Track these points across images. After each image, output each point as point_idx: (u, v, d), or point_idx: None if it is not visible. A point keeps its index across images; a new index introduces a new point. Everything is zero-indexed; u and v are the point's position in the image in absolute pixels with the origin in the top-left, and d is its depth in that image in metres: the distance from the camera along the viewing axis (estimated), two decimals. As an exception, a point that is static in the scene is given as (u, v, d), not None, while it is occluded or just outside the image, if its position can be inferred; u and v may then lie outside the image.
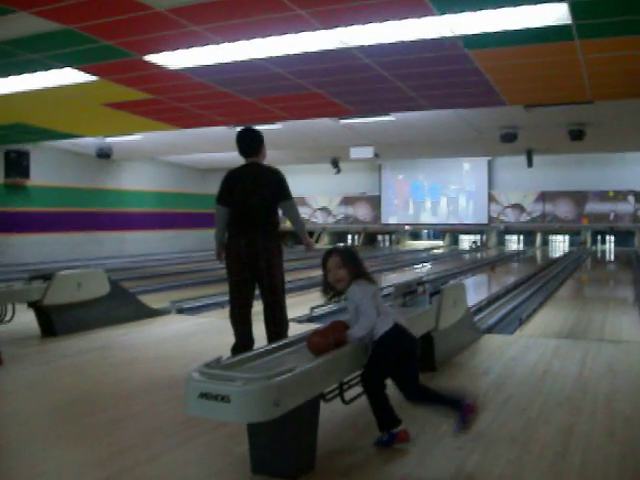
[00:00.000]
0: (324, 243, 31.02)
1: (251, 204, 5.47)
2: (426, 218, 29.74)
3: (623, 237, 26.86)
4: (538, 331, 8.05)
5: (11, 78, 10.03)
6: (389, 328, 3.80)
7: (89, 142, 19.29)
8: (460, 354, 6.12)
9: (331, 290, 4.06)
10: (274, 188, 5.55)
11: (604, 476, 3.37)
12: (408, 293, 5.62)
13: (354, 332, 3.78)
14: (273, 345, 3.89)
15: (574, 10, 7.11)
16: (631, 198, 26.09)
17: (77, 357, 6.36)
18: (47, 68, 9.45)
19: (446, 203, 29.53)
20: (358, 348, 3.85)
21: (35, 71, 9.60)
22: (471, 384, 4.76)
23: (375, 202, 30.73)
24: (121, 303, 8.38)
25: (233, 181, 5.60)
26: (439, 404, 3.82)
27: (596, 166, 26.03)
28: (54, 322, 7.41)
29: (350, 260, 4.01)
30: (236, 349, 5.37)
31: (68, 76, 9.93)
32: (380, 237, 31.56)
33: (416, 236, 31.54)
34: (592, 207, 26.81)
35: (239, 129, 5.85)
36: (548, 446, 3.80)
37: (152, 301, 9.47)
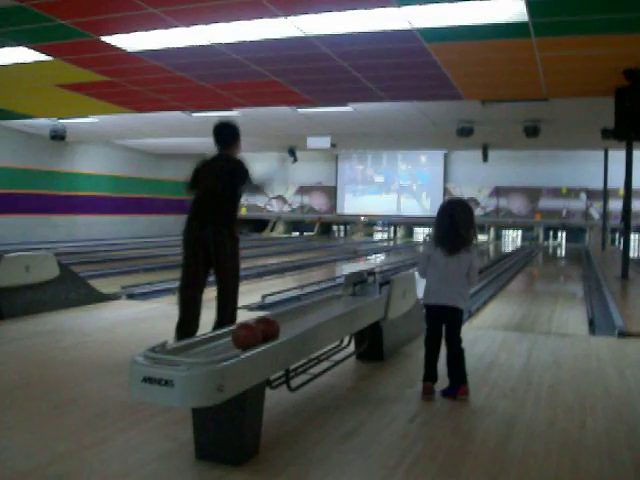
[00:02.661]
0: (279, 232, 31.00)
1: (208, 191, 5.62)
2: (382, 209, 29.86)
3: (574, 233, 27.29)
4: (487, 323, 8.15)
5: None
6: None
7: (43, 123, 18.97)
8: (409, 344, 6.17)
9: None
10: (236, 177, 5.67)
11: (544, 464, 3.43)
12: (358, 282, 5.65)
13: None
14: (220, 331, 3.87)
15: (531, 7, 7.20)
16: (583, 195, 26.55)
17: (24, 340, 6.26)
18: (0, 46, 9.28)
19: (402, 195, 29.69)
20: (304, 336, 3.87)
21: (-13, 49, 9.43)
22: (419, 374, 4.80)
23: (331, 192, 30.77)
24: (71, 287, 8.27)
25: (201, 169, 5.81)
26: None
27: (550, 163, 26.42)
28: (1, 305, 7.28)
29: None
30: (178, 329, 5.47)
31: (22, 55, 9.75)
32: (335, 227, 31.59)
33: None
34: (545, 203, 27.21)
35: (217, 121, 5.97)
36: (491, 435, 3.86)
37: (103, 286, 9.36)
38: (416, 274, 5.31)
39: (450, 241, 4.57)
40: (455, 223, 4.55)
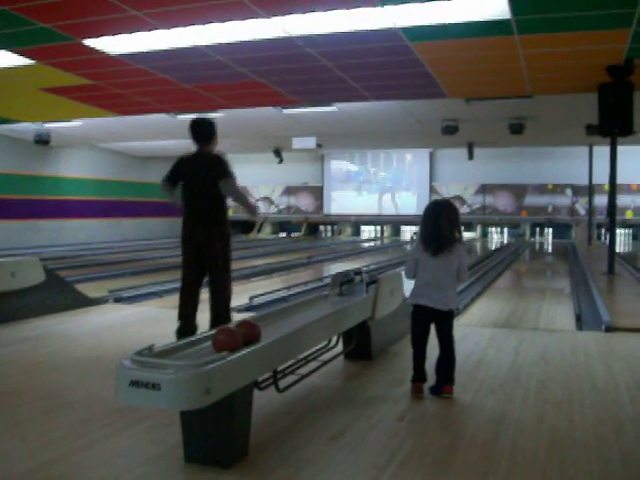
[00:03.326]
0: (266, 233, 30.97)
1: (197, 192, 5.82)
2: (369, 209, 29.89)
3: (560, 229, 27.42)
4: (475, 320, 8.17)
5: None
6: None
7: (27, 128, 18.88)
8: (397, 343, 6.18)
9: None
10: (216, 171, 5.81)
11: (532, 460, 3.44)
12: (345, 282, 5.65)
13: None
14: (207, 334, 3.86)
15: (513, 5, 7.23)
16: (569, 191, 26.68)
17: (11, 346, 6.22)
18: (-19, 50, 9.22)
19: (389, 194, 29.73)
20: (291, 337, 3.87)
21: (-31, 53, 9.37)
22: (407, 373, 4.81)
23: (317, 192, 30.78)
24: (57, 292, 8.23)
25: (182, 167, 5.97)
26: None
27: (536, 159, 26.54)
28: (-13, 311, 7.25)
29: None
30: (179, 332, 5.65)
31: (4, 59, 9.69)
32: (322, 227, 31.58)
33: None
34: (531, 200, 27.32)
35: (193, 117, 6.18)
36: (480, 432, 3.87)
37: (89, 290, 9.33)
38: (403, 273, 5.31)
39: (435, 242, 4.59)
40: (440, 224, 4.59)
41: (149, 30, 8.33)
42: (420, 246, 4.66)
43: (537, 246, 25.68)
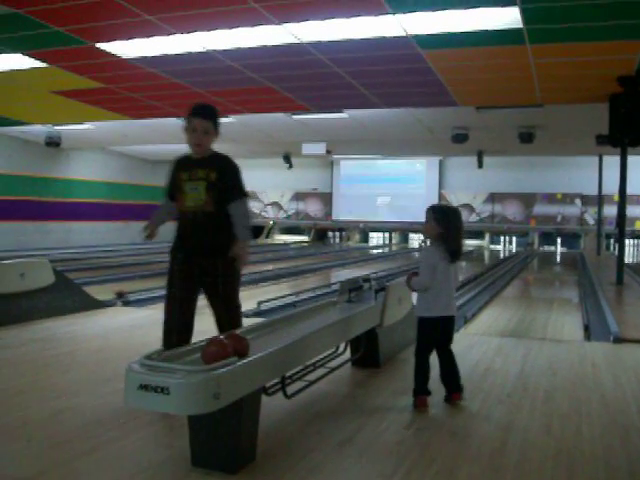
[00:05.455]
0: (274, 238, 30.99)
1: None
2: (378, 216, 29.88)
3: (569, 239, 27.34)
4: (482, 329, 8.16)
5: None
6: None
7: (38, 130, 18.97)
8: (404, 351, 6.17)
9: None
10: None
11: (539, 471, 3.43)
12: (354, 289, 5.65)
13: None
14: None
15: (525, 15, 7.23)
16: (578, 201, 26.60)
17: (19, 348, 6.24)
18: (-1, 53, 9.29)
19: (398, 201, 29.70)
20: (300, 343, 3.87)
21: (-17, 56, 9.45)
22: (413, 380, 4.80)
23: (326, 198, 30.78)
24: (66, 294, 8.24)
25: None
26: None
27: (545, 169, 26.48)
28: (-4, 312, 7.28)
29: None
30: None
31: (17, 62, 9.76)
32: (330, 234, 31.57)
33: None
34: (540, 209, 27.24)
35: (195, 103, 4.86)
36: (487, 442, 3.86)
37: (98, 292, 9.35)
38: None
39: (460, 248, 4.58)
40: (462, 230, 4.58)
41: (161, 35, 8.37)
42: (441, 253, 4.49)
43: (545, 255, 25.61)
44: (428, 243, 4.79)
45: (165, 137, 19.58)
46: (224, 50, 9.02)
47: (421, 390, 4.56)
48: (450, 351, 4.68)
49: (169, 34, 8.33)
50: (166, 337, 4.47)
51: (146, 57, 9.46)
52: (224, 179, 4.47)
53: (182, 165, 4.72)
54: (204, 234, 4.53)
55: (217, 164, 4.53)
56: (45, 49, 9.12)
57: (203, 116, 4.54)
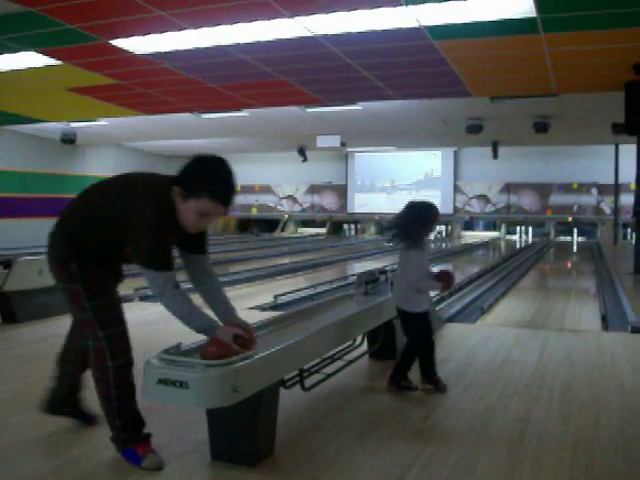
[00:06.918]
0: (290, 232, 31.01)
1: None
2: (392, 208, 29.79)
3: (586, 229, 27.18)
4: (499, 320, 8.15)
5: (-27, 59, 9.89)
6: None
7: (54, 127, 19.07)
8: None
9: None
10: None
11: (558, 462, 3.43)
12: (370, 281, 5.65)
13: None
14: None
15: (539, 3, 7.19)
16: (594, 190, 26.41)
17: (38, 344, 6.29)
18: (10, 51, 9.32)
19: (413, 193, 29.61)
20: (317, 336, 3.88)
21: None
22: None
23: (342, 191, 30.75)
24: (84, 290, 8.26)
25: None
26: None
27: (561, 158, 26.29)
28: (15, 309, 7.32)
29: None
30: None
31: (32, 59, 9.80)
32: (346, 226, 31.54)
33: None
34: (556, 199, 27.08)
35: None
36: (505, 432, 3.86)
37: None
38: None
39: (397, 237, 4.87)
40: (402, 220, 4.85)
41: (174, 30, 8.38)
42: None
43: (562, 246, 25.48)
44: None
45: (179, 132, 19.64)
46: (237, 44, 9.01)
47: (435, 371, 4.72)
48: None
49: (181, 29, 8.33)
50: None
51: (159, 53, 9.47)
52: None
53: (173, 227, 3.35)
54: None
55: None
56: (59, 46, 9.14)
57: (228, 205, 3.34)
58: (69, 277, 3.38)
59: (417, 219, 4.71)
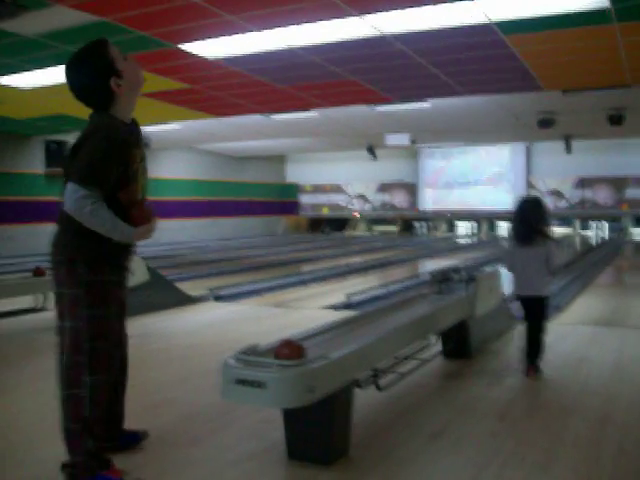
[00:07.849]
0: (361, 230, 31.03)
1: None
2: (463, 204, 29.51)
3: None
4: (576, 318, 7.99)
5: (50, 70, 10.20)
6: None
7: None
8: (495, 341, 6.11)
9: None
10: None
11: (638, 465, 3.35)
12: (444, 280, 5.63)
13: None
14: (310, 332, 3.91)
15: (613, -7, 7.03)
16: (673, 183, 25.63)
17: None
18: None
19: (485, 189, 29.26)
20: (391, 335, 3.90)
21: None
22: (506, 372, 4.77)
23: (412, 189, 30.60)
24: (159, 290, 8.42)
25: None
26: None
27: (637, 151, 25.57)
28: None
29: None
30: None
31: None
32: (417, 224, 31.37)
33: None
34: (632, 193, 26.33)
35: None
36: (583, 433, 3.80)
37: (190, 288, 9.55)
38: (502, 270, 5.43)
39: (521, 234, 5.13)
40: (525, 218, 5.15)
41: (244, 33, 8.49)
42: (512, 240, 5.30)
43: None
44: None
45: (249, 134, 19.86)
46: (305, 46, 9.07)
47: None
48: (534, 327, 5.07)
49: (250, 32, 8.44)
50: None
51: (229, 56, 9.61)
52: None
53: (133, 137, 3.46)
54: None
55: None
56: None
57: None
58: (74, 281, 3.15)
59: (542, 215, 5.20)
